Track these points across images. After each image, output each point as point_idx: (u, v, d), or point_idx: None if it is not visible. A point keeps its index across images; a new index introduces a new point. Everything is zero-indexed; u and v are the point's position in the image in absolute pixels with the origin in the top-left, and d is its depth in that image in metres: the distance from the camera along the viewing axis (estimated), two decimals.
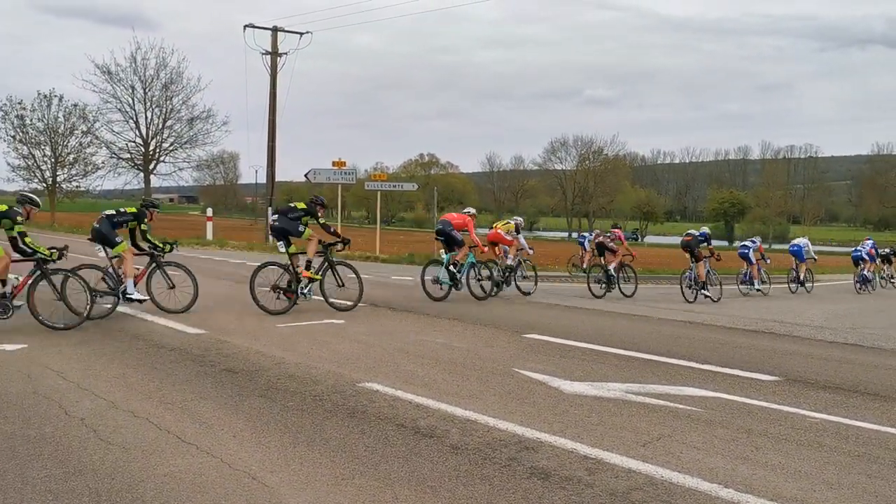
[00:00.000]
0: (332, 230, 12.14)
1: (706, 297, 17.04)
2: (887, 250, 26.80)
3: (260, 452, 4.88)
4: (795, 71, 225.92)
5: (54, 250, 9.39)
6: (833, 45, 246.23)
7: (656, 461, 4.91)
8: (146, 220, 10.68)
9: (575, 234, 23.96)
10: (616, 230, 18.73)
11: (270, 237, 32.78)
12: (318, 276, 11.69)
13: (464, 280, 14.25)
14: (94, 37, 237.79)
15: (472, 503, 4.14)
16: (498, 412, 5.99)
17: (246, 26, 34.21)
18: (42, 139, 49.21)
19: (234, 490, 4.21)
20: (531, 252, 16.62)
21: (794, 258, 22.05)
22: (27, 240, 9.24)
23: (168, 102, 45.38)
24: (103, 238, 10.35)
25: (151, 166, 45.59)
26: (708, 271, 17.45)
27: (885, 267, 26.39)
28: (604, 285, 16.59)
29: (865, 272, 24.06)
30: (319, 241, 11.80)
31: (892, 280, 26.58)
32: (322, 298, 11.73)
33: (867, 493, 4.53)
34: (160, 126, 45.48)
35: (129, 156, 45.84)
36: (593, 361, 8.48)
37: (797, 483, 4.64)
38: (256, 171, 77.88)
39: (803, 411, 6.48)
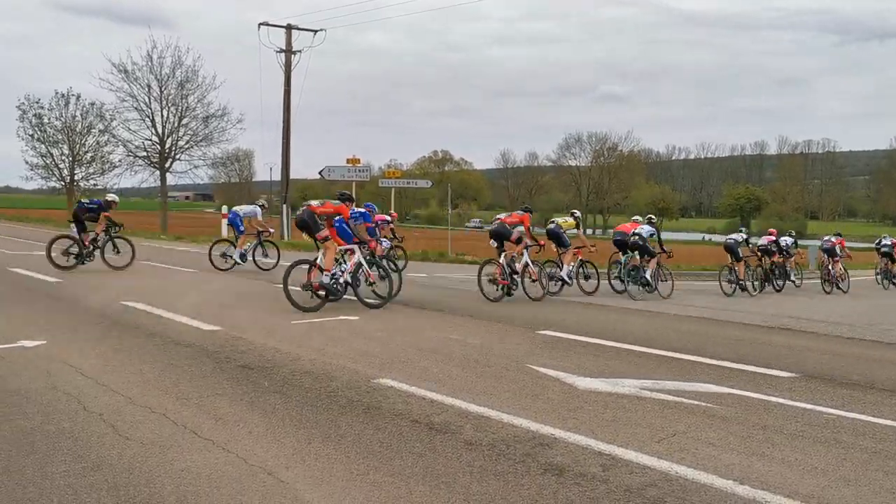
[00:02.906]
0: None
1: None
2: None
3: (275, 448, 4.90)
4: (813, 65, 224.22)
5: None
6: (851, 39, 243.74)
7: (671, 457, 4.90)
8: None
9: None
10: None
11: (287, 231, 32.97)
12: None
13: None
14: (111, 36, 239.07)
15: (487, 499, 4.15)
16: (512, 408, 6.00)
17: (260, 24, 34.41)
18: (60, 138, 49.56)
19: (250, 485, 4.24)
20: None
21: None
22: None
23: (183, 101, 45.46)
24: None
25: (167, 164, 45.74)
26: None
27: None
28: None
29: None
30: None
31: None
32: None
33: (884, 490, 4.50)
34: (176, 124, 45.60)
35: (145, 154, 45.99)
36: (607, 357, 8.47)
37: (813, 479, 4.62)
38: (271, 169, 78.35)
39: (820, 408, 6.44)
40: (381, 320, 10.68)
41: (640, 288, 15.97)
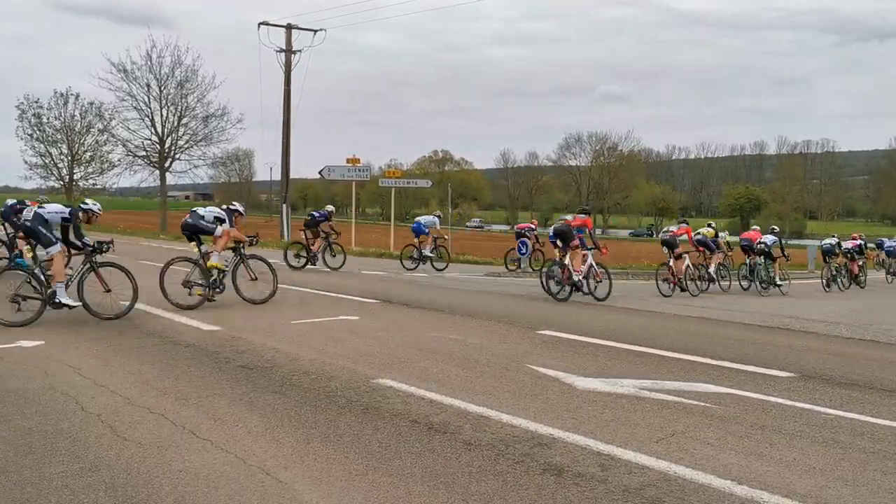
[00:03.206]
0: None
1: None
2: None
3: (274, 448, 4.91)
4: (813, 65, 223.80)
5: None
6: (851, 39, 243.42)
7: (670, 457, 4.89)
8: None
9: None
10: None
11: (287, 231, 33.00)
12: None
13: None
14: (111, 36, 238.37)
15: (486, 499, 4.15)
16: (511, 408, 5.99)
17: (260, 24, 34.39)
18: (59, 137, 49.58)
19: (249, 485, 4.24)
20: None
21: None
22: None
23: (183, 100, 45.46)
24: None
25: (167, 164, 45.69)
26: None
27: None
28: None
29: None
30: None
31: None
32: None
33: (882, 490, 4.50)
34: (175, 124, 45.58)
35: (144, 153, 45.98)
36: (607, 357, 8.46)
37: (811, 479, 4.62)
38: (271, 169, 78.39)
39: (818, 408, 6.44)
40: (380, 320, 10.68)
41: (761, 285, 19.27)
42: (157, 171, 45.99)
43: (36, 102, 48.83)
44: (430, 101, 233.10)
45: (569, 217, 15.14)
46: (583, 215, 14.96)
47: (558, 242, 14.40)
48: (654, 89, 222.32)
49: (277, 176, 39.70)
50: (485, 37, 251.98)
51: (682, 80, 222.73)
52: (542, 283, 14.54)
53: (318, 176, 32.60)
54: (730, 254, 20.68)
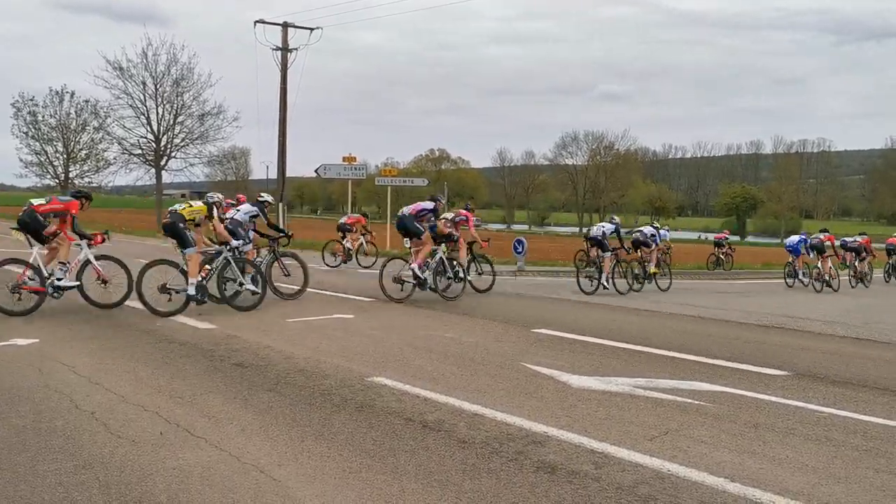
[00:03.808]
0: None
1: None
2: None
3: (268, 446, 4.91)
4: (812, 65, 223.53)
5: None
6: (850, 39, 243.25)
7: (663, 455, 4.91)
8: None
9: None
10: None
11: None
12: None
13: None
14: (110, 35, 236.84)
15: (479, 496, 4.16)
16: (506, 406, 6.00)
17: (256, 22, 34.22)
18: (54, 135, 49.39)
19: (243, 483, 4.24)
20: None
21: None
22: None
23: (179, 98, 45.23)
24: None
25: (163, 162, 45.51)
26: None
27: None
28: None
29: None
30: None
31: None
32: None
33: (874, 488, 4.52)
34: (171, 122, 45.35)
35: (140, 152, 45.78)
36: (602, 356, 8.48)
37: (804, 477, 4.63)
38: (267, 167, 77.94)
39: (812, 406, 6.46)
40: (376, 319, 10.68)
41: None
42: (153, 170, 45.84)
43: (31, 100, 48.70)
44: (424, 99, 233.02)
45: (821, 235, 21.37)
46: (827, 233, 21.68)
47: (814, 253, 20.69)
48: (653, 89, 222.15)
49: (274, 174, 39.68)
50: (480, 36, 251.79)
51: (681, 80, 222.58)
52: (785, 279, 21.34)
53: (314, 174, 32.54)
54: (874, 256, 24.56)
